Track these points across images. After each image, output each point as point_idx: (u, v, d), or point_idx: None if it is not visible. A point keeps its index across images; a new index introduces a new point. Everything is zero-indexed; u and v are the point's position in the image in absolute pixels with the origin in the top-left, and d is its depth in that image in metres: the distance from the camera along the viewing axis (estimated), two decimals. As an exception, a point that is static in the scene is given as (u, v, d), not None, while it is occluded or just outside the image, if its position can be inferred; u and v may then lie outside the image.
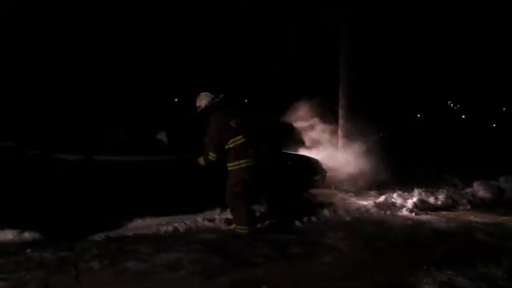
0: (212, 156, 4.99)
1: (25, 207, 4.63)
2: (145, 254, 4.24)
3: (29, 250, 4.26)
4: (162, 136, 5.37)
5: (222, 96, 5.16)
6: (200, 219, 5.38)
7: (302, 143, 7.43)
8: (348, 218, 5.90)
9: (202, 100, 5.15)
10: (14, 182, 4.60)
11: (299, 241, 4.88)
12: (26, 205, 4.63)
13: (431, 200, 6.61)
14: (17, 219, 4.69)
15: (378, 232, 5.31)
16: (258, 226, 5.44)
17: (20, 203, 4.61)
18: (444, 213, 6.29)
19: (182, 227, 5.18)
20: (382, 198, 6.62)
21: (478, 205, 6.83)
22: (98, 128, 5.44)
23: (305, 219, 5.74)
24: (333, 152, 7.61)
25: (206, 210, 5.65)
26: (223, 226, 5.36)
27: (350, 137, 7.74)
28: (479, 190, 7.19)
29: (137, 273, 3.79)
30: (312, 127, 7.40)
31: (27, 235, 4.73)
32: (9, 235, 4.68)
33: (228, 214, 5.56)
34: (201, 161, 5.09)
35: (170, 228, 5.12)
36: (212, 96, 5.15)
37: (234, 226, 5.11)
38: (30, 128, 5.45)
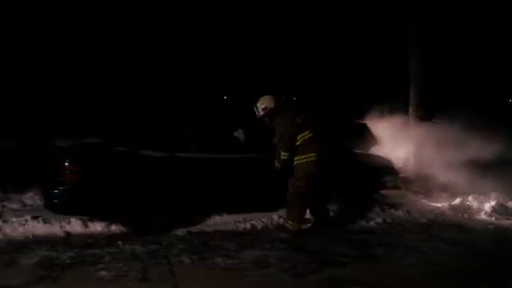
0: (284, 155, 5.02)
1: (113, 201, 4.85)
2: (230, 251, 4.32)
3: (120, 242, 4.46)
4: (239, 134, 5.45)
5: (284, 98, 5.25)
6: (276, 217, 5.42)
7: (375, 143, 7.31)
8: (423, 220, 5.75)
9: (268, 102, 5.13)
10: (104, 177, 4.81)
11: (379, 241, 4.82)
12: (114, 199, 4.84)
13: (511, 204, 6.31)
14: (105, 212, 4.93)
15: (460, 235, 5.14)
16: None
17: (108, 197, 4.83)
18: (527, 218, 6.00)
19: (259, 225, 5.24)
20: (457, 201, 6.39)
21: None
22: (180, 126, 5.59)
23: (379, 220, 5.67)
24: (404, 152, 7.43)
25: (280, 208, 5.68)
26: (298, 225, 5.37)
27: (420, 137, 7.53)
28: None
29: (227, 268, 3.87)
30: (384, 127, 7.27)
31: (114, 227, 4.96)
32: (98, 227, 4.93)
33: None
34: (277, 164, 5.15)
35: (248, 225, 5.19)
36: (276, 98, 5.18)
37: (284, 219, 5.16)
38: (117, 126, 5.69)
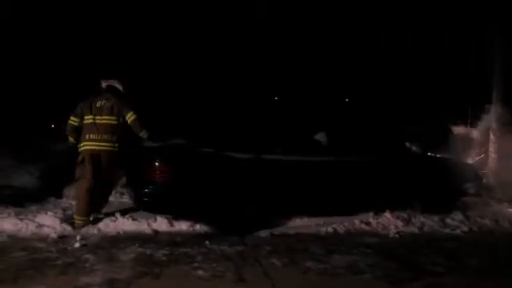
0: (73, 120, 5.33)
1: (198, 201, 4.95)
2: (318, 255, 4.26)
3: (207, 242, 4.53)
4: (321, 137, 5.40)
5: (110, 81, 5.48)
6: (357, 222, 5.32)
7: (459, 148, 7.02)
8: (515, 231, 5.45)
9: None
10: (191, 177, 4.92)
11: (470, 251, 4.59)
12: (199, 199, 4.94)
13: None
14: (190, 211, 5.04)
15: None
16: (416, 231, 5.26)
17: (194, 197, 4.93)
18: None
19: (341, 229, 5.16)
20: (550, 211, 6.01)
21: None
22: (265, 129, 5.63)
23: (464, 228, 5.43)
24: (488, 158, 7.08)
25: (359, 212, 5.57)
26: (380, 230, 5.24)
27: (505, 142, 7.13)
28: None
29: (321, 273, 3.81)
30: (469, 132, 6.97)
31: (198, 227, 5.05)
32: (183, 226, 5.04)
33: (382, 219, 5.46)
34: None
35: (330, 229, 5.13)
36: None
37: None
38: (201, 127, 5.81)
